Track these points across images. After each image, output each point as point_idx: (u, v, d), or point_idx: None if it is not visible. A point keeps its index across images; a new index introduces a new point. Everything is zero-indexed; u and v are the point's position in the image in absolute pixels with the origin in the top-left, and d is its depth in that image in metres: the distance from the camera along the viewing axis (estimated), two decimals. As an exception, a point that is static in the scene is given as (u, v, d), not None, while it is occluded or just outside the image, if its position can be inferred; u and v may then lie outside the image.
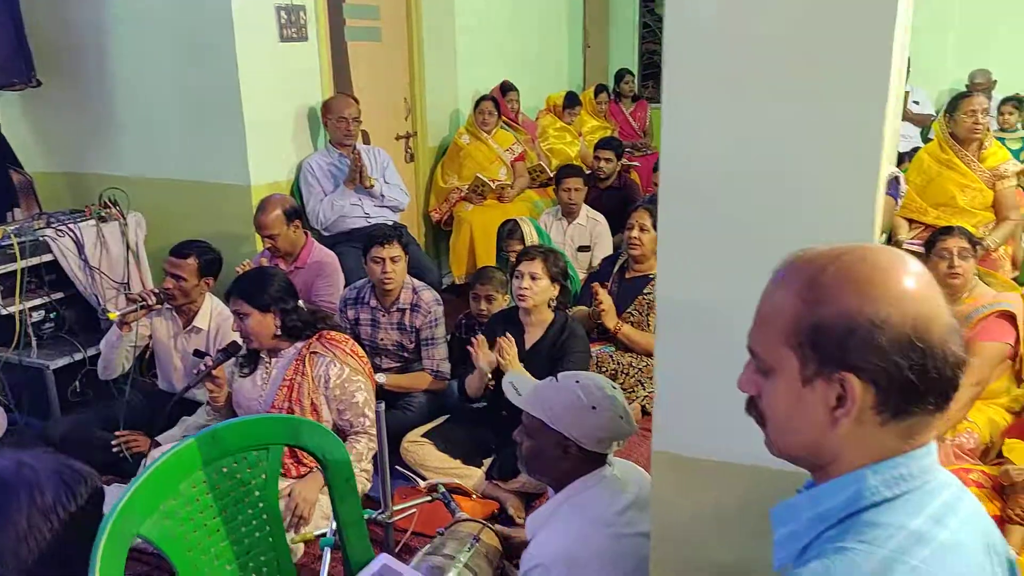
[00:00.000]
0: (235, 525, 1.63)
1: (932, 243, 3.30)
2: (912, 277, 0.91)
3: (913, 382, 0.88)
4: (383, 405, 2.39)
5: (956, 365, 0.90)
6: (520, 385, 2.03)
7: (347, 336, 2.87)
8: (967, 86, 6.88)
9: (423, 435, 3.14)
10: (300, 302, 2.89)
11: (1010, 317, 3.12)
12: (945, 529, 0.90)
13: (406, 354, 3.49)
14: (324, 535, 2.15)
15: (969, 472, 2.76)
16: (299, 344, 2.77)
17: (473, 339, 3.14)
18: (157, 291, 3.23)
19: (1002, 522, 2.64)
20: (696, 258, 1.30)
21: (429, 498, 2.61)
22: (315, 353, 2.74)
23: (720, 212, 1.28)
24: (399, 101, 5.21)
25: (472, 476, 3.01)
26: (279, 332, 2.72)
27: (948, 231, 3.28)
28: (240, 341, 2.78)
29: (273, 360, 2.78)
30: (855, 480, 0.93)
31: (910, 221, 4.14)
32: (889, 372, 0.88)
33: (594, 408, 1.75)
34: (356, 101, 4.28)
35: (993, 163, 4.04)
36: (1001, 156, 4.08)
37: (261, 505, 1.72)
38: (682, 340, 1.33)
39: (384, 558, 1.63)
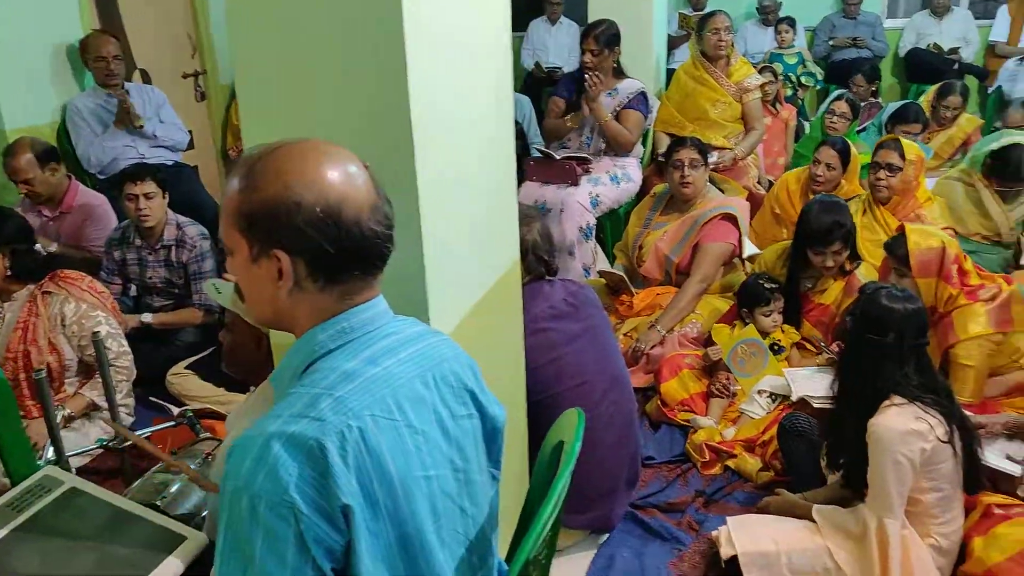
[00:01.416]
0: None
1: (669, 154, 3.57)
2: (331, 167, 1.06)
3: (332, 253, 1.05)
4: (103, 332, 2.44)
5: (375, 238, 1.07)
6: (222, 287, 2.13)
7: (83, 274, 2.88)
8: (757, 9, 7.30)
9: (187, 367, 3.20)
10: (38, 246, 2.86)
11: (733, 219, 3.45)
12: (378, 367, 1.08)
13: (177, 291, 3.51)
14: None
15: (685, 357, 3.08)
16: (31, 286, 2.76)
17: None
18: None
19: (708, 396, 2.98)
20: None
21: (173, 423, 2.69)
22: (48, 293, 2.75)
23: (292, 125, 1.42)
24: (182, 37, 5.06)
25: (235, 402, 3.10)
26: (9, 274, 2.70)
27: (681, 143, 3.55)
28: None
29: (6, 304, 2.76)
30: (310, 338, 1.10)
31: (671, 135, 4.42)
32: (310, 247, 1.04)
33: None
34: (116, 38, 4.14)
35: (739, 78, 4.36)
36: (745, 71, 4.41)
37: None
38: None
39: (48, 469, 1.71)
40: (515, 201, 2.04)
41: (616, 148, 4.00)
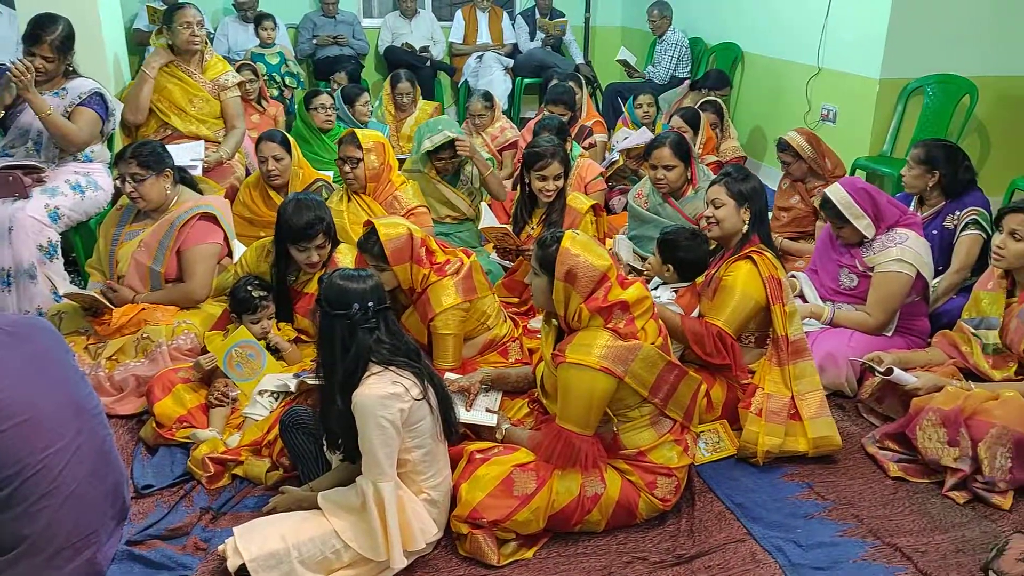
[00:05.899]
0: None
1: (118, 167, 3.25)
2: None
3: None
4: None
5: None
6: None
7: None
8: (233, 5, 7.14)
9: None
10: None
11: (213, 218, 3.29)
12: None
13: None
14: None
15: (178, 371, 2.88)
16: None
17: None
18: None
19: (208, 407, 2.84)
20: None
21: None
22: None
23: None
24: None
25: None
26: None
27: (123, 155, 3.23)
28: None
29: None
30: None
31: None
32: None
33: None
34: None
35: (214, 74, 4.23)
36: (221, 68, 4.30)
37: None
38: None
39: None
40: None
41: (66, 148, 3.54)
